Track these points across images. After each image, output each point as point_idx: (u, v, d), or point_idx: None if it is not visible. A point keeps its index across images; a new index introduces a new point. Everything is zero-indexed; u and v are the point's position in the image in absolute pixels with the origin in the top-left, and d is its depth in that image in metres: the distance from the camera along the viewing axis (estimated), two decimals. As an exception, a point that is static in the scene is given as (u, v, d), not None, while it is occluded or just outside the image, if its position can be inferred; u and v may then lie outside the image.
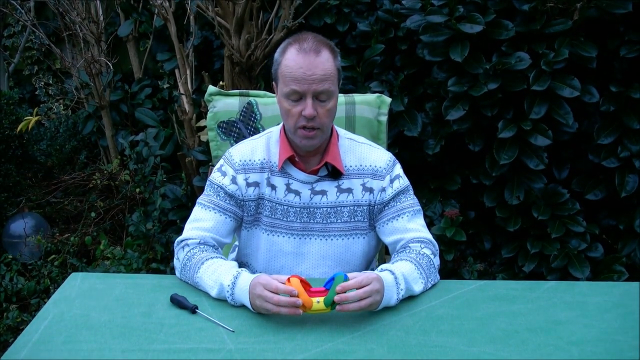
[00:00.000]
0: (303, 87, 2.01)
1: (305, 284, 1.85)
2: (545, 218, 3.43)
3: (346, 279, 1.82)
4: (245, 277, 1.94)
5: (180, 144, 4.36)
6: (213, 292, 1.99)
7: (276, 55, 2.11)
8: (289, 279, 1.84)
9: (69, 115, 4.98)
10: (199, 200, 2.22)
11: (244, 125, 2.68)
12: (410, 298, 2.00)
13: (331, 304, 1.80)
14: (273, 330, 1.82)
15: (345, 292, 1.80)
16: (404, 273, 1.98)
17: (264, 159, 2.21)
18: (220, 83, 3.97)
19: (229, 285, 1.94)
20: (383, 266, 2.01)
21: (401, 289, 1.95)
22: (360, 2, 3.99)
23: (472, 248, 3.77)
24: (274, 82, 2.15)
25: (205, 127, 3.93)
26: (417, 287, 2.02)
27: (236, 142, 2.61)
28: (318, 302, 1.81)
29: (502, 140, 3.40)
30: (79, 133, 4.85)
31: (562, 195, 3.51)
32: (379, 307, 1.89)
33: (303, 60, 2.01)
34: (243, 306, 1.94)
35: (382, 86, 3.68)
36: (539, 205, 3.47)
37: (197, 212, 2.20)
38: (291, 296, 1.79)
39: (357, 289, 1.82)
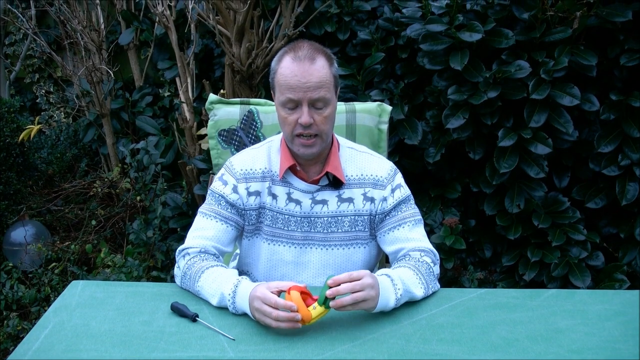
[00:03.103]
0: (298, 95, 2.02)
1: (306, 294, 1.85)
2: (546, 226, 3.43)
3: None
4: (246, 285, 1.94)
5: (181, 152, 4.36)
6: (214, 301, 1.99)
7: (273, 64, 2.12)
8: (289, 290, 1.84)
9: (70, 123, 4.99)
10: (201, 209, 2.22)
11: (245, 134, 2.69)
12: (410, 306, 2.00)
13: (324, 302, 1.80)
14: (273, 339, 1.82)
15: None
16: (400, 276, 1.98)
17: (265, 168, 2.21)
18: (221, 91, 3.97)
19: (229, 295, 1.94)
20: (380, 271, 2.02)
21: (399, 289, 1.94)
22: (361, 10, 4.00)
23: (472, 256, 3.77)
24: (272, 91, 2.16)
25: (206, 135, 3.93)
26: (417, 291, 2.01)
27: (237, 150, 2.62)
28: (314, 309, 1.81)
29: (502, 148, 3.40)
30: (79, 141, 4.86)
31: (563, 203, 3.51)
32: (376, 306, 1.88)
33: (298, 68, 2.02)
34: (244, 314, 1.94)
35: (383, 94, 3.68)
36: (540, 213, 3.47)
37: (199, 221, 2.21)
38: (291, 311, 1.79)
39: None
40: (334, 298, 1.80)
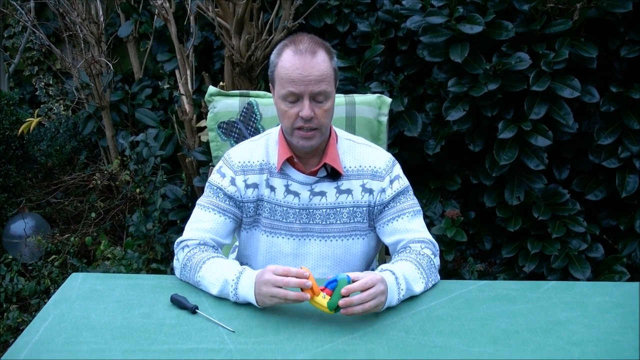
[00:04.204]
0: (300, 89, 2.02)
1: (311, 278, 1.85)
2: (546, 218, 3.43)
3: (349, 281, 1.82)
4: (250, 271, 1.95)
5: (180, 145, 4.36)
6: (215, 290, 1.99)
7: (272, 57, 2.11)
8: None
9: (69, 116, 4.99)
10: (199, 201, 2.22)
11: (244, 126, 2.68)
12: (410, 298, 2.00)
13: (335, 308, 1.80)
14: (273, 331, 1.82)
15: (349, 295, 1.80)
16: (404, 273, 1.98)
17: (263, 161, 2.21)
18: (221, 83, 3.97)
19: (233, 280, 1.94)
20: (383, 266, 2.02)
21: (402, 289, 1.95)
22: (361, 2, 3.99)
23: (472, 248, 3.77)
24: (270, 84, 2.15)
25: (205, 127, 3.93)
26: (418, 288, 2.02)
27: (236, 142, 2.61)
28: (324, 297, 1.81)
29: (503, 140, 3.40)
30: (79, 133, 4.86)
31: (563, 195, 3.51)
32: (382, 308, 1.89)
33: (299, 61, 2.01)
34: (244, 305, 1.94)
35: (382, 87, 3.67)
36: (539, 205, 3.47)
37: (197, 213, 2.21)
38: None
39: (362, 291, 1.81)
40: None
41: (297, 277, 1.81)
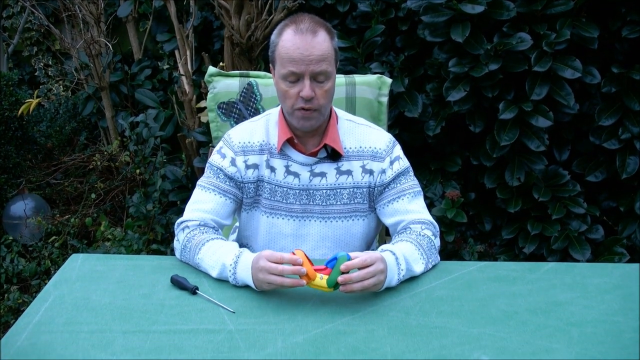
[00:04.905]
0: (300, 68, 2.01)
1: (308, 259, 1.85)
2: (546, 199, 3.43)
3: (349, 259, 1.82)
4: (248, 255, 1.95)
5: (180, 125, 4.35)
6: (214, 273, 1.99)
7: (273, 37, 2.10)
8: (293, 253, 1.84)
9: (69, 97, 4.97)
10: (199, 182, 2.22)
11: (244, 106, 2.68)
12: (410, 279, 2.01)
13: (334, 285, 1.80)
14: (273, 312, 1.82)
15: (348, 272, 1.80)
16: (404, 253, 1.99)
17: (263, 141, 2.21)
18: (220, 64, 3.95)
19: (231, 265, 1.95)
20: (384, 247, 2.02)
21: (402, 269, 1.95)
22: (361, -18, 3.97)
23: (472, 229, 3.77)
24: (270, 64, 2.14)
25: (205, 108, 3.92)
26: (418, 268, 2.02)
27: (236, 123, 2.61)
28: (321, 279, 1.81)
29: (503, 121, 3.39)
30: (78, 114, 4.84)
31: (563, 176, 3.51)
32: (382, 288, 1.89)
33: (300, 41, 2.00)
34: (244, 287, 1.94)
35: (383, 67, 3.66)
36: (540, 186, 3.47)
37: (197, 194, 2.20)
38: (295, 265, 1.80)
39: (361, 268, 1.82)
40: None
41: (291, 263, 1.81)
